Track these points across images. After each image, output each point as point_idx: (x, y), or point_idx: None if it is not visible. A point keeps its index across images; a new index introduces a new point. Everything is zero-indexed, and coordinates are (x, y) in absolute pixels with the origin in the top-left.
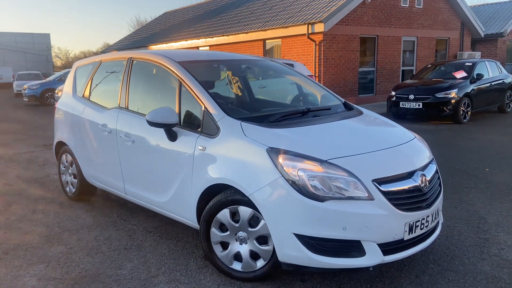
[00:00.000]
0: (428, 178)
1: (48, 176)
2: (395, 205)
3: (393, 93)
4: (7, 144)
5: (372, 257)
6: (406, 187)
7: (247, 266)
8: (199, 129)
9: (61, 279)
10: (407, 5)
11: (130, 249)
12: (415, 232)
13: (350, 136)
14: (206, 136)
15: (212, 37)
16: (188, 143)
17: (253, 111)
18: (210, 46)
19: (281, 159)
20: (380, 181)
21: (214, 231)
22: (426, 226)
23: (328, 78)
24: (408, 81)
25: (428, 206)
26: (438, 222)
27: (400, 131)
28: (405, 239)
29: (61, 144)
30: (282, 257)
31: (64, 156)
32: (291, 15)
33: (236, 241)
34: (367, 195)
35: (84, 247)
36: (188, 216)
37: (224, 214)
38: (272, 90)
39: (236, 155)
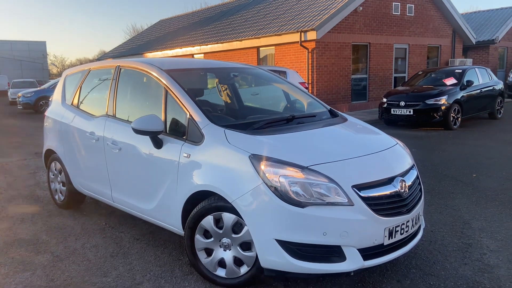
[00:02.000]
0: (408, 183)
1: (38, 184)
2: (375, 211)
3: (385, 100)
4: (1, 153)
5: (353, 262)
6: (385, 192)
7: (231, 272)
8: (184, 137)
9: (46, 286)
10: (399, 13)
11: (116, 256)
12: (395, 237)
13: (331, 143)
14: (191, 143)
15: (206, 45)
16: (173, 151)
17: (239, 118)
18: (204, 53)
19: (263, 166)
20: (359, 187)
21: (198, 237)
22: (407, 231)
23: (321, 85)
24: (399, 88)
25: (408, 211)
26: (419, 227)
27: (382, 137)
28: (385, 244)
29: (50, 152)
30: (264, 263)
31: (53, 164)
32: (284, 23)
33: (220, 247)
34: (347, 200)
35: (70, 255)
36: (174, 223)
37: (208, 221)
38: (260, 97)
39: (220, 162)
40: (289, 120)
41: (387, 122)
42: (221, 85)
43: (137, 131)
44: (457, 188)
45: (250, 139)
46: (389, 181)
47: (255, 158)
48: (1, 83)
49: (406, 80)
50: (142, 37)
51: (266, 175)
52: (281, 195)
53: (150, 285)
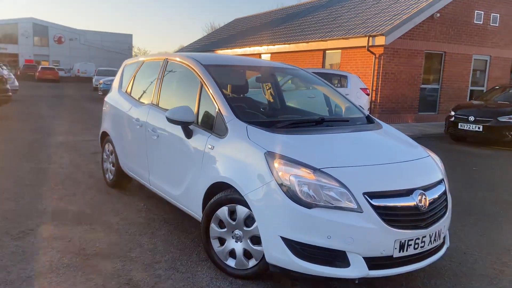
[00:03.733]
0: (430, 198)
1: (97, 163)
2: (386, 221)
3: (452, 113)
4: (75, 132)
5: (356, 269)
6: (401, 204)
7: (240, 263)
8: (212, 129)
9: (77, 253)
10: (481, 22)
11: (144, 235)
12: (407, 251)
13: (353, 148)
14: (216, 136)
15: (273, 45)
16: (201, 141)
17: (275, 116)
18: (271, 53)
19: (276, 163)
20: (372, 195)
21: (213, 226)
22: (422, 247)
23: (386, 92)
24: (471, 102)
25: (426, 226)
26: (442, 244)
27: (412, 148)
28: (394, 256)
29: (105, 134)
30: (269, 258)
31: (106, 145)
32: (353, 27)
33: (232, 238)
34: (356, 207)
35: (105, 229)
36: (196, 210)
37: (223, 212)
38: (306, 99)
39: (238, 156)
40: (318, 122)
41: (453, 137)
42: (265, 84)
43: (170, 120)
44: (509, 213)
45: (270, 136)
46: (408, 192)
47: (270, 155)
48: (89, 70)
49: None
50: (216, 35)
51: (279, 173)
52: (290, 194)
53: (166, 265)
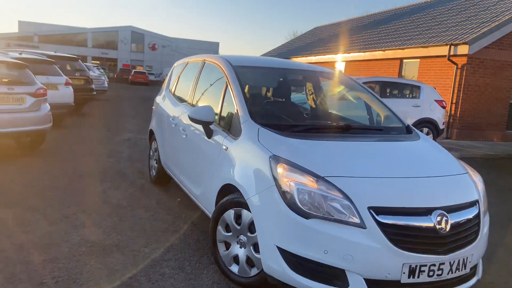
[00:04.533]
0: (454, 220)
1: (146, 160)
2: (393, 240)
3: None
4: (143, 130)
5: None
6: (414, 223)
7: (242, 270)
8: (229, 130)
9: (97, 243)
10: None
11: (165, 232)
12: (419, 277)
13: (371, 158)
14: (232, 137)
15: (348, 53)
16: (218, 142)
17: (300, 121)
18: (346, 61)
19: (280, 168)
20: (378, 210)
21: (219, 229)
22: (439, 275)
23: (468, 106)
24: None
25: (446, 252)
26: (470, 275)
27: (446, 164)
28: (402, 281)
29: (151, 132)
30: (266, 268)
31: (153, 143)
32: (435, 35)
33: (237, 243)
34: (359, 221)
35: (132, 223)
36: (211, 211)
37: (229, 215)
38: (349, 105)
39: (247, 158)
40: (343, 129)
41: None
42: (309, 89)
43: (192, 119)
44: None
45: (280, 140)
46: (426, 212)
47: (274, 159)
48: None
49: None
50: (294, 42)
51: (281, 178)
52: (289, 201)
53: (174, 264)
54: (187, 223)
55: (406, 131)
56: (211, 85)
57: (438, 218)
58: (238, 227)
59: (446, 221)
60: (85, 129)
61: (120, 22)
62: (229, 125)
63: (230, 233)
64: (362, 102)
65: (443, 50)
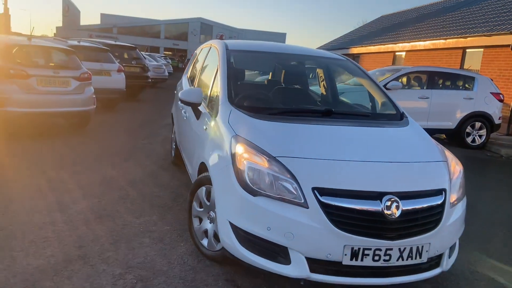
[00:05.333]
0: (406, 207)
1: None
2: (334, 221)
3: None
4: None
5: (297, 269)
6: (358, 207)
7: (210, 244)
8: (211, 111)
9: (96, 212)
10: None
11: (163, 207)
12: (362, 260)
13: (336, 142)
14: (212, 118)
15: (408, 42)
16: (202, 123)
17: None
18: (406, 51)
19: (237, 147)
20: (323, 191)
21: (194, 205)
22: (386, 260)
23: None
24: None
25: (394, 238)
26: (432, 265)
27: (423, 151)
28: (344, 263)
29: (172, 115)
30: (222, 243)
31: (173, 126)
32: (500, 22)
33: (208, 219)
34: (302, 201)
35: (136, 198)
36: None
37: (201, 191)
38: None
39: (216, 138)
40: (325, 114)
41: None
42: (321, 76)
43: (181, 101)
44: None
45: (248, 121)
46: (377, 196)
47: (235, 139)
48: None
49: None
50: (357, 32)
51: (237, 157)
52: (240, 179)
53: (156, 235)
54: (187, 201)
55: (400, 118)
56: (210, 69)
57: (388, 203)
58: (208, 203)
59: (397, 207)
60: (135, 113)
61: (190, 13)
62: (212, 107)
63: (203, 209)
64: (365, 88)
65: (507, 39)
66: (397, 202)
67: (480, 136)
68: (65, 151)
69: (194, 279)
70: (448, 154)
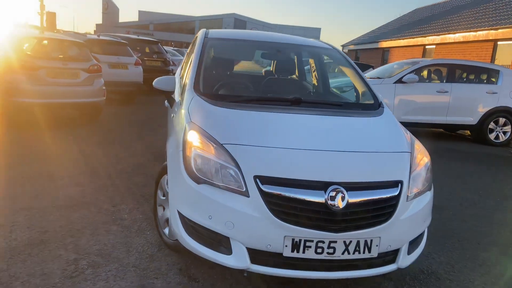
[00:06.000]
0: (353, 198)
1: None
2: (274, 211)
3: None
4: None
5: (237, 260)
6: (300, 196)
7: (170, 233)
8: (181, 99)
9: (75, 199)
10: None
11: (143, 197)
12: (304, 252)
13: (291, 130)
14: (179, 105)
15: (438, 35)
16: (172, 111)
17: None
18: (436, 44)
19: (189, 134)
20: (264, 179)
21: (158, 193)
22: (330, 253)
23: None
24: None
25: (338, 230)
26: (386, 261)
27: (385, 141)
28: (284, 255)
29: None
30: (172, 231)
31: None
32: None
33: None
34: (244, 190)
35: (121, 186)
36: None
37: (163, 180)
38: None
39: (177, 125)
40: (293, 102)
41: None
42: (312, 66)
43: (156, 88)
44: None
45: (206, 109)
46: (322, 186)
47: (189, 125)
48: None
49: None
50: (388, 26)
51: (187, 143)
52: (187, 166)
53: (125, 223)
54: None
55: (375, 108)
56: (188, 58)
57: (332, 194)
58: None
59: (343, 198)
60: (152, 106)
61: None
62: (181, 95)
63: (165, 198)
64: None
65: None
66: (343, 193)
67: (504, 132)
68: (66, 141)
69: (147, 268)
70: (417, 146)
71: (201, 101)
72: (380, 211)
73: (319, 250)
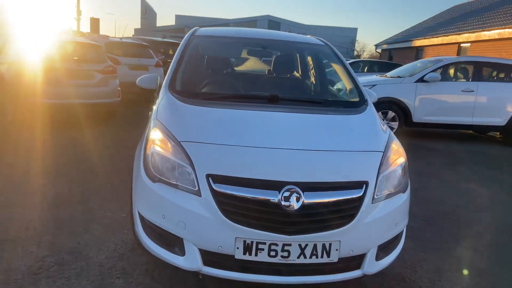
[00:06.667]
0: (311, 200)
1: None
2: (225, 211)
3: None
4: None
5: (190, 261)
6: (252, 196)
7: None
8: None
9: (63, 197)
10: None
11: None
12: (256, 255)
13: (255, 128)
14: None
15: (473, 32)
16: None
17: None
18: (471, 42)
19: (151, 132)
20: (216, 178)
21: None
22: (284, 257)
23: None
24: None
25: (292, 233)
26: (350, 266)
27: (359, 140)
28: (236, 257)
29: None
30: (134, 231)
31: None
32: None
33: None
34: (196, 189)
35: (113, 185)
36: None
37: None
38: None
39: (149, 124)
40: (271, 100)
41: None
42: (311, 64)
43: (139, 86)
44: None
45: (173, 106)
46: (277, 186)
47: (154, 123)
48: None
49: None
50: (423, 24)
51: (149, 141)
52: (145, 164)
53: (107, 222)
54: None
55: (359, 106)
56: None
57: (287, 194)
58: None
59: (298, 198)
60: None
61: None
62: (157, 93)
63: None
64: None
65: None
66: (299, 193)
67: None
68: (82, 141)
69: (112, 267)
70: (394, 145)
71: (171, 99)
72: (340, 213)
73: (272, 253)
